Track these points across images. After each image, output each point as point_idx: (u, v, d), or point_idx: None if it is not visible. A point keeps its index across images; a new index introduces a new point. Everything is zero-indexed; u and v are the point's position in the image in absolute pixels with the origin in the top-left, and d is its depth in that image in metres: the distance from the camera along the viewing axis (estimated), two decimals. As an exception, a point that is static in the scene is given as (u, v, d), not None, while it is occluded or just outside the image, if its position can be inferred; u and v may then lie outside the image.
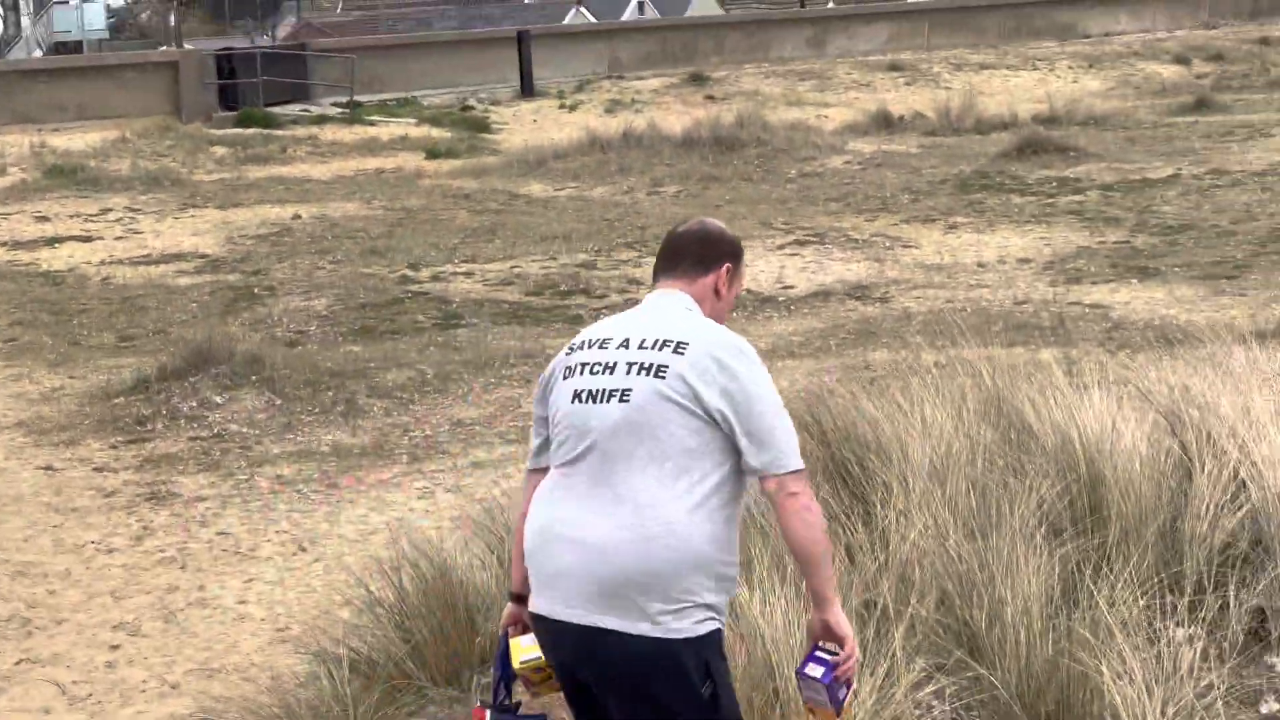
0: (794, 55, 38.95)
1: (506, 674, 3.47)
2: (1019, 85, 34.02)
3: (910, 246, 15.54)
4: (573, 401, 3.21)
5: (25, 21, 56.65)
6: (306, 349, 12.32)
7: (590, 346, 3.29)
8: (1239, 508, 4.66)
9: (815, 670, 3.10)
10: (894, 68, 35.34)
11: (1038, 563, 4.26)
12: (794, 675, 3.29)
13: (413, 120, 28.11)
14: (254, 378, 10.68)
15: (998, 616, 4.09)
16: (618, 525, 3.10)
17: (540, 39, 35.11)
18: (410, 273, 15.20)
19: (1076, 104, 27.13)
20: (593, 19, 56.73)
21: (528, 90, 32.36)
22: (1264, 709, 4.04)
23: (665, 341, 3.17)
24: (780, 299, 13.45)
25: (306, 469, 9.02)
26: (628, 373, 3.15)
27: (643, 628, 3.07)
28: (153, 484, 8.83)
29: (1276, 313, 11.00)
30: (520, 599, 3.39)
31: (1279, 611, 4.35)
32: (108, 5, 60.17)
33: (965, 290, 13.31)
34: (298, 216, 18.54)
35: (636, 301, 12.79)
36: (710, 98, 31.75)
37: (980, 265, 14.56)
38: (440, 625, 5.09)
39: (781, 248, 15.76)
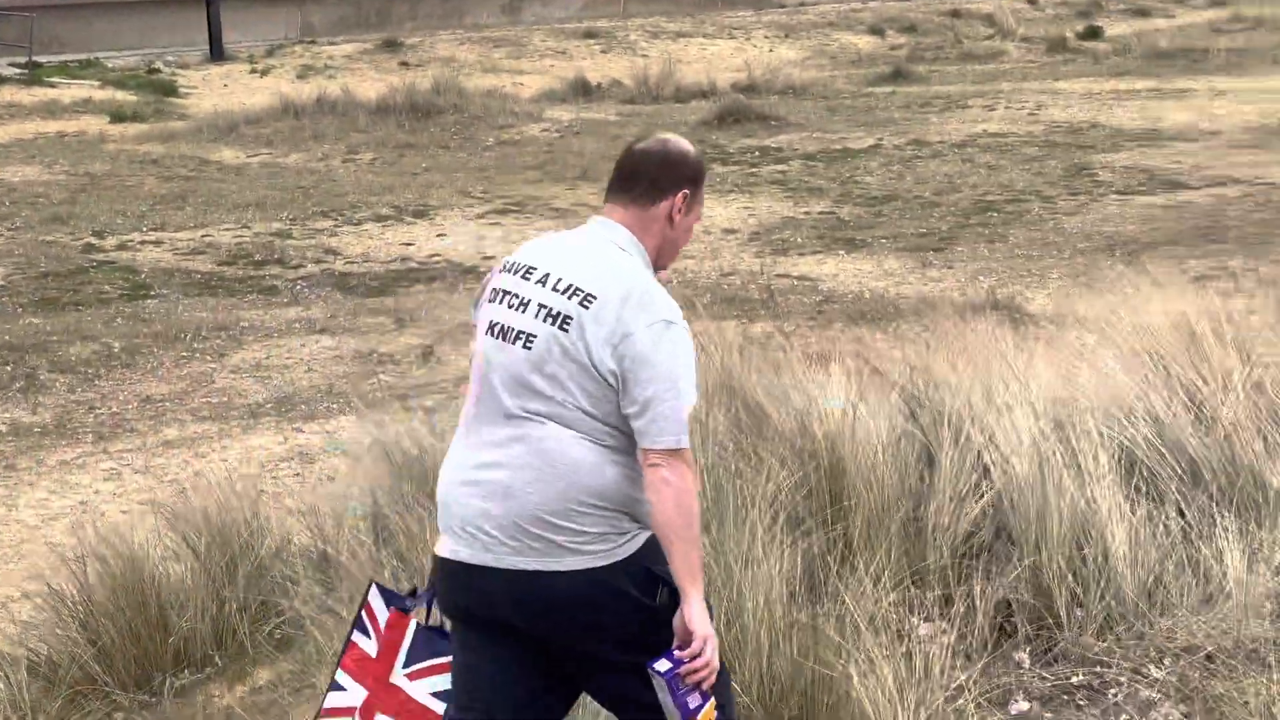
0: (489, 22, 39.05)
1: (433, 593, 3.41)
2: (716, 54, 34.31)
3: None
4: (486, 333, 3.17)
5: None
6: None
7: (516, 272, 3.19)
8: (981, 495, 4.57)
9: (661, 665, 2.94)
10: (590, 35, 35.18)
11: (778, 556, 4.12)
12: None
13: (96, 82, 27.25)
14: None
15: (736, 615, 3.95)
16: (524, 467, 3.03)
17: (230, 1, 33.92)
18: (95, 241, 14.76)
19: (775, 73, 27.42)
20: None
21: (217, 54, 31.88)
22: (1014, 709, 3.98)
23: (577, 290, 3.06)
24: (481, 270, 13.12)
25: None
26: (536, 315, 3.06)
27: (570, 562, 3.01)
28: None
29: (984, 285, 11.16)
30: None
31: (1026, 605, 4.27)
32: None
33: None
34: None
35: (333, 273, 11.38)
36: (405, 64, 31.21)
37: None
38: (129, 624, 4.81)
39: (481, 217, 15.64)
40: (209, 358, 10.43)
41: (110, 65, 29.84)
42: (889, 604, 4.15)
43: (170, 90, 26.71)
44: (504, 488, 3.06)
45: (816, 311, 10.93)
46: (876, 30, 37.23)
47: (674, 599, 3.07)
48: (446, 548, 3.21)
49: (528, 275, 3.17)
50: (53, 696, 4.60)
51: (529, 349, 3.06)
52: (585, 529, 3.05)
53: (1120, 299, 8.45)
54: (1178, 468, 4.81)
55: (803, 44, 36.23)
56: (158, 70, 29.16)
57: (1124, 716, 3.94)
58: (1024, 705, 3.99)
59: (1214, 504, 4.62)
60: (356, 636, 3.54)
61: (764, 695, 3.80)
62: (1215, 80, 23.99)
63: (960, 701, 3.78)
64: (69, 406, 9.41)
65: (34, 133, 22.49)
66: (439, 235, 14.70)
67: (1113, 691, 4.00)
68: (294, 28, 36.65)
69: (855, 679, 3.62)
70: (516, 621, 3.17)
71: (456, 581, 3.22)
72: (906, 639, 3.98)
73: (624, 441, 3.10)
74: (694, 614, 2.98)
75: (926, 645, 3.90)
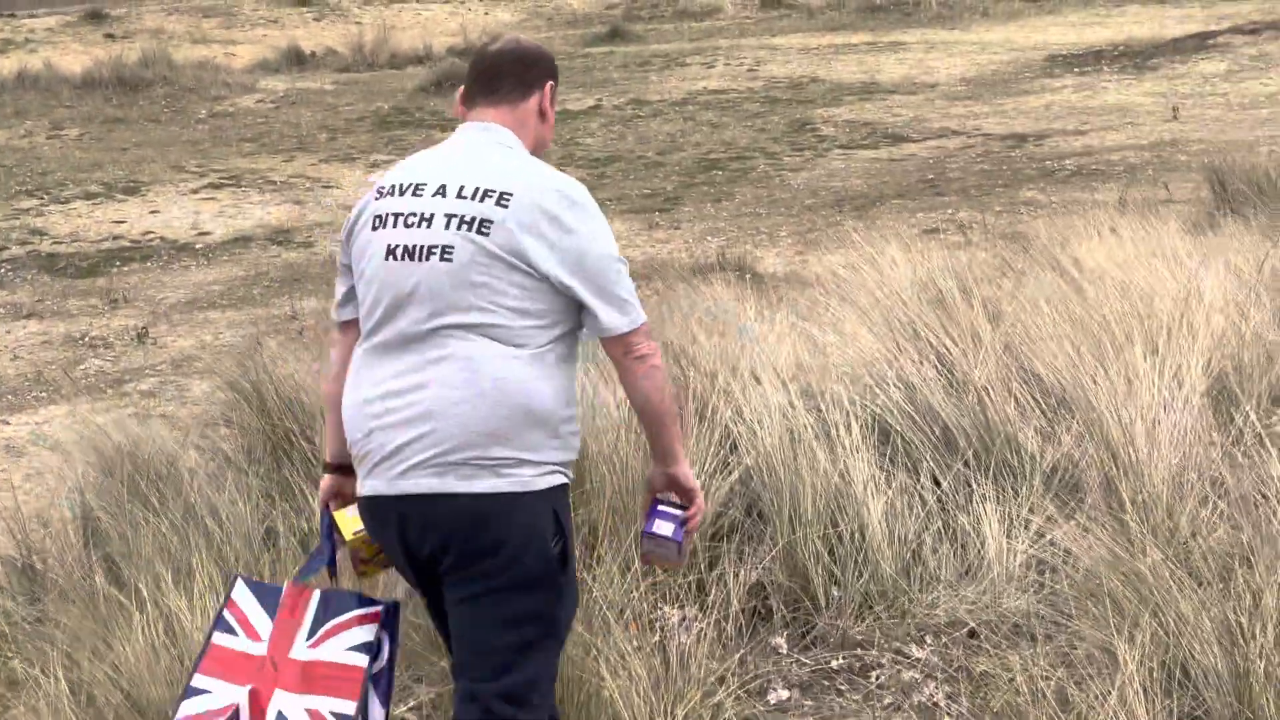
0: (197, -11, 38.80)
1: (332, 550, 3.13)
2: (431, 19, 31.46)
3: (331, 187, 14.35)
4: (386, 258, 2.76)
5: None
6: None
7: (402, 193, 2.83)
8: (730, 472, 4.14)
9: (665, 528, 2.90)
10: (303, 3, 32.09)
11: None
12: (639, 535, 3.00)
13: None
14: None
15: None
16: (448, 386, 2.71)
17: None
18: None
19: (491, 37, 26.99)
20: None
21: None
22: (772, 699, 3.59)
23: (488, 192, 2.71)
24: (198, 246, 12.24)
25: None
26: (446, 226, 2.71)
27: (488, 484, 2.69)
28: None
29: (713, 245, 10.54)
30: (339, 469, 3.03)
31: (781, 586, 3.89)
32: None
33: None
34: None
35: (39, 254, 9.97)
36: (111, 36, 28.32)
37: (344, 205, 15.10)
38: None
39: (196, 192, 14.40)
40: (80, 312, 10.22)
41: None
42: (639, 594, 3.69)
43: None
44: (425, 411, 2.70)
45: None
46: (591, -10, 40.62)
47: (563, 559, 2.80)
48: (368, 487, 2.85)
49: (419, 191, 2.80)
50: None
51: (448, 260, 2.68)
52: (511, 452, 2.70)
53: (855, 256, 7.87)
54: (931, 435, 4.48)
55: (518, 6, 32.90)
56: None
57: (887, 700, 3.54)
58: (783, 694, 3.58)
59: (970, 471, 4.27)
60: (218, 638, 3.04)
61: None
62: (928, 33, 22.70)
63: (719, 695, 3.33)
64: None
65: None
66: (152, 212, 13.50)
67: (874, 674, 3.62)
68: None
69: (606, 677, 3.20)
70: (439, 550, 2.81)
71: (385, 519, 2.84)
72: (660, 629, 3.58)
73: (559, 349, 2.77)
74: (688, 472, 2.86)
75: (679, 635, 3.50)
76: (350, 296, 2.94)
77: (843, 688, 3.66)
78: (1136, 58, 17.93)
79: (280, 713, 2.98)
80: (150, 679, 3.57)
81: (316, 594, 3.06)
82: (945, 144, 14.27)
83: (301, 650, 2.98)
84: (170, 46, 26.31)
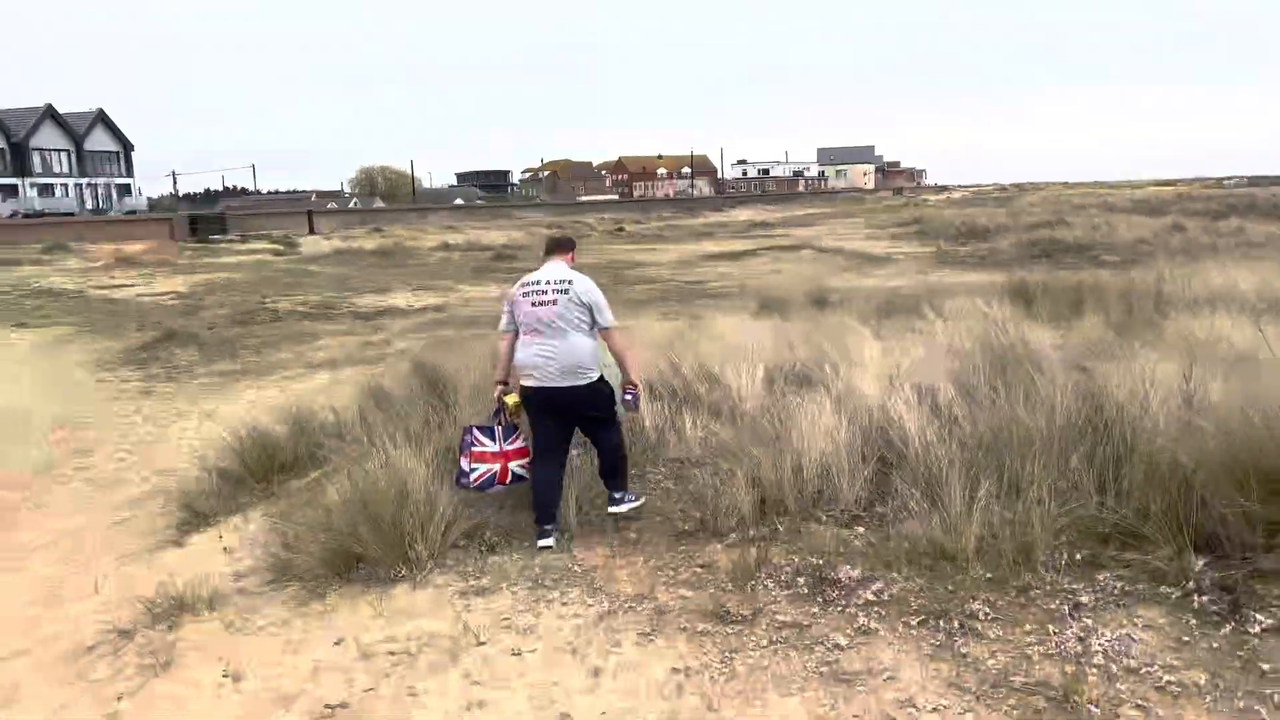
0: None
1: (501, 412, 5.22)
2: (486, 232, 45.18)
3: (457, 292, 20.74)
4: (532, 306, 5.02)
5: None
6: (215, 330, 15.43)
7: (530, 285, 5.07)
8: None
9: (629, 398, 5.22)
10: (451, 230, 45.00)
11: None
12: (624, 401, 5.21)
13: (267, 241, 36.49)
14: (192, 343, 14.03)
15: None
16: (561, 346, 5.03)
17: (317, 214, 47.71)
18: (263, 300, 19.19)
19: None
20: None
21: (312, 230, 42.59)
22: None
23: (565, 280, 5.04)
24: (407, 310, 17.57)
25: (214, 380, 11.51)
26: (553, 292, 5.03)
27: (576, 381, 5.07)
28: (145, 387, 11.52)
29: None
30: (504, 382, 5.23)
31: None
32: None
33: (478, 308, 17.90)
34: (217, 278, 23.85)
35: (352, 311, 17.23)
36: (379, 231, 45.00)
37: (482, 299, 17.48)
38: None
39: (409, 291, 21.01)
40: (302, 344, 13.77)
41: (273, 235, 38.97)
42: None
43: (294, 244, 35.36)
44: (558, 354, 5.02)
45: None
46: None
47: (611, 394, 5.11)
48: (530, 384, 5.07)
49: (537, 284, 5.05)
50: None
51: (553, 305, 4.96)
52: (588, 368, 5.05)
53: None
54: (667, 389, 6.08)
55: (517, 225, 47.95)
56: (289, 237, 37.60)
57: (653, 487, 5.32)
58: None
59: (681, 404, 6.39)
60: (474, 446, 5.28)
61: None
62: (656, 245, 32.62)
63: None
64: (248, 363, 12.57)
65: (244, 260, 29.97)
66: (390, 298, 19.70)
67: (648, 474, 5.46)
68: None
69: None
70: (564, 408, 5.09)
71: (541, 394, 5.05)
72: None
73: (592, 333, 5.02)
74: (637, 379, 5.17)
75: None
76: (511, 323, 5.09)
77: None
78: (733, 257, 27.21)
79: (513, 470, 5.30)
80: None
81: (499, 426, 5.27)
82: (669, 285, 20.51)
83: (506, 446, 5.30)
84: (402, 240, 35.66)
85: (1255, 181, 75.24)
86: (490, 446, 5.15)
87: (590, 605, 4.44)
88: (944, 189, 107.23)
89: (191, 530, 6.42)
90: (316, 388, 10.65)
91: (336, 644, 4.34)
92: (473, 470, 5.11)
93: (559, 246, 5.24)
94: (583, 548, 5.07)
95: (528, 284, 5.04)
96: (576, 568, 4.85)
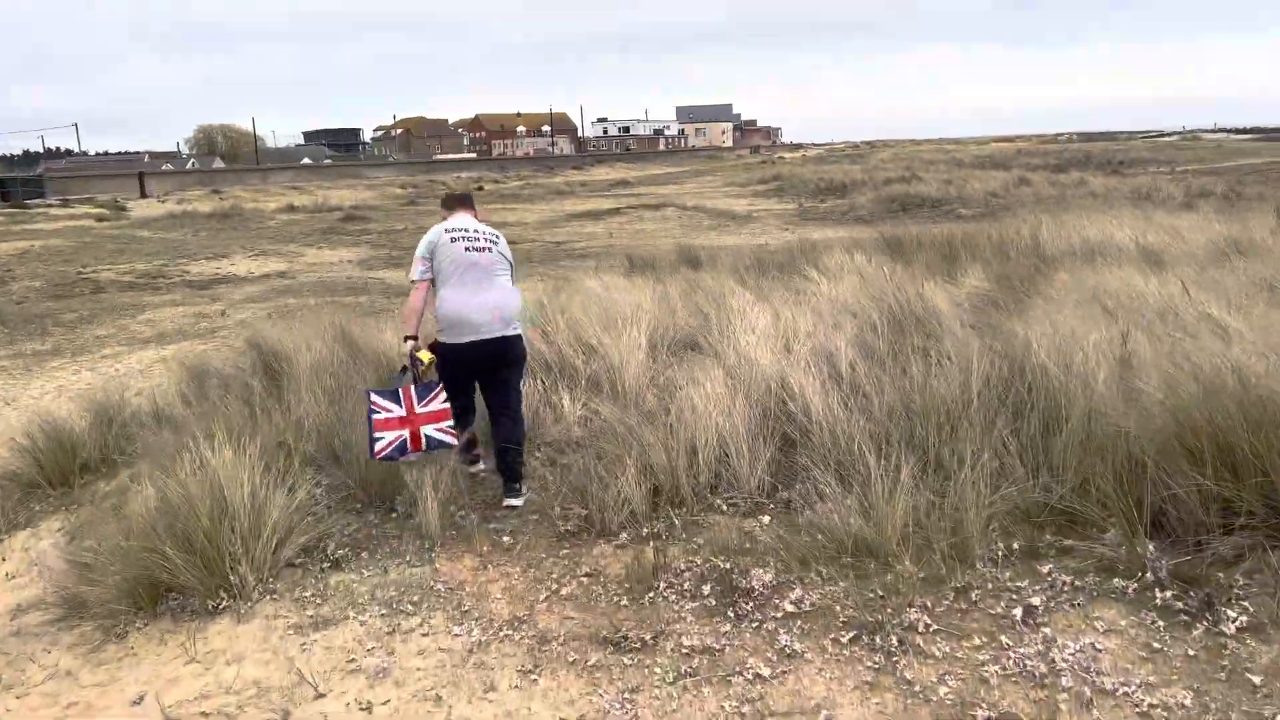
0: None
1: (410, 370, 4.74)
2: (336, 191, 44.77)
3: (302, 256, 19.68)
4: (466, 250, 4.69)
5: None
6: (24, 305, 14.12)
7: (458, 231, 4.77)
8: None
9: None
10: (295, 189, 44.79)
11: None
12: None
13: (92, 205, 34.95)
14: None
15: (348, 445, 4.97)
16: (501, 295, 4.75)
17: (150, 175, 45.35)
18: (83, 270, 17.76)
19: None
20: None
21: (144, 194, 40.78)
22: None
23: (494, 232, 4.91)
24: (246, 277, 16.44)
25: (17, 363, 10.38)
26: (484, 241, 4.80)
27: (510, 332, 4.77)
28: None
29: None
30: (414, 338, 4.73)
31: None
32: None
33: (326, 274, 16.62)
34: (33, 245, 22.24)
35: (184, 280, 15.46)
36: (218, 193, 40.22)
37: (330, 264, 18.18)
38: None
39: (249, 257, 19.44)
40: (126, 318, 12.72)
41: (99, 199, 37.77)
42: None
43: (123, 208, 33.53)
44: (495, 304, 4.69)
45: (383, 291, 13.73)
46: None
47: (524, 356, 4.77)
48: (464, 338, 4.62)
49: (466, 230, 4.77)
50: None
51: (489, 252, 4.74)
52: (517, 319, 4.82)
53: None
54: (541, 362, 6.14)
55: (372, 189, 46.93)
56: (117, 201, 36.41)
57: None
58: (481, 467, 5.04)
59: (557, 379, 5.88)
60: (375, 415, 4.73)
61: (365, 480, 5.68)
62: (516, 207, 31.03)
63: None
64: (60, 341, 11.31)
65: (62, 227, 27.69)
66: (230, 264, 18.32)
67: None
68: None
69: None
70: (497, 359, 4.72)
71: (478, 348, 4.66)
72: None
73: (514, 284, 4.88)
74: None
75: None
76: (428, 271, 4.65)
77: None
78: (596, 216, 26.80)
79: (427, 435, 4.73)
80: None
81: (413, 386, 4.71)
82: (533, 245, 19.69)
83: (418, 408, 4.74)
84: (243, 203, 33.77)
85: (1088, 137, 79.15)
86: (395, 411, 4.64)
87: (457, 635, 3.62)
88: (799, 147, 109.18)
89: (-34, 551, 5.20)
90: (137, 368, 10.02)
91: (135, 703, 3.39)
92: (377, 439, 4.59)
93: (463, 201, 5.06)
94: (447, 558, 4.22)
95: (454, 230, 4.74)
96: (440, 585, 4.01)
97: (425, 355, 4.69)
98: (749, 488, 4.52)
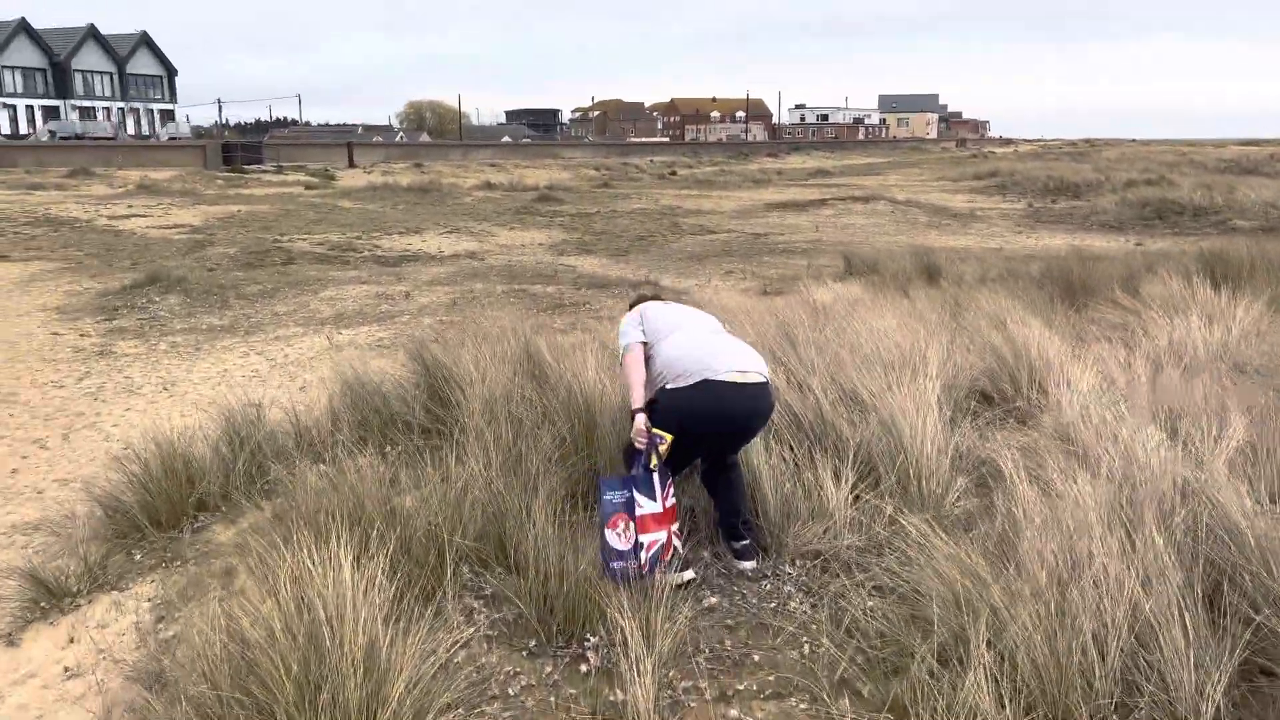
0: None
1: (647, 452, 3.52)
2: (528, 172, 43.28)
3: (495, 236, 18.65)
4: (687, 318, 3.91)
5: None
6: (214, 273, 13.35)
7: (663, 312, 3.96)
8: None
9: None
10: (493, 167, 42.52)
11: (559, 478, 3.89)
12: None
13: (303, 173, 35.99)
14: (179, 288, 11.87)
15: (520, 543, 3.43)
16: (740, 343, 3.83)
17: (358, 146, 47.16)
18: (278, 238, 17.30)
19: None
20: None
21: (351, 164, 41.89)
22: (705, 602, 3.54)
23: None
24: (439, 255, 15.56)
25: (190, 339, 9.42)
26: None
27: (768, 376, 3.77)
28: (104, 345, 9.13)
29: (644, 272, 13.39)
30: (644, 411, 3.57)
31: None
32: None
33: (516, 257, 15.45)
34: (239, 211, 22.25)
35: (374, 255, 14.89)
36: (419, 166, 42.65)
37: (521, 246, 16.92)
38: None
39: (442, 234, 18.75)
40: (308, 293, 11.84)
41: (310, 168, 39.00)
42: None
43: (331, 177, 34.41)
44: (744, 346, 3.79)
45: (575, 280, 12.80)
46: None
47: None
48: (726, 373, 3.59)
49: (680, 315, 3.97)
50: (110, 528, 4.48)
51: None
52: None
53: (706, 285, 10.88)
54: (787, 420, 4.44)
55: (566, 169, 43.68)
56: (327, 170, 37.48)
57: (771, 604, 3.48)
58: (713, 599, 3.55)
59: (812, 447, 4.21)
60: (639, 511, 3.51)
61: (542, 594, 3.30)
62: (711, 194, 29.33)
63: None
64: (238, 316, 10.53)
65: (275, 193, 27.95)
66: (423, 240, 17.53)
67: (764, 582, 3.63)
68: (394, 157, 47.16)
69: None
70: (750, 415, 3.68)
71: (738, 396, 3.57)
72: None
73: None
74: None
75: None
76: (640, 331, 3.77)
77: (745, 591, 3.61)
78: (799, 207, 24.69)
79: (674, 540, 3.57)
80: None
81: (655, 473, 3.52)
82: (730, 236, 18.17)
83: (665, 502, 3.57)
84: (441, 177, 33.50)
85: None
86: (653, 505, 3.53)
87: None
88: (1009, 142, 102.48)
89: (38, 617, 4.04)
90: (308, 355, 8.91)
91: None
92: (636, 546, 3.45)
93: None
94: None
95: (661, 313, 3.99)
96: None
97: (667, 434, 3.56)
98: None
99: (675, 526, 3.54)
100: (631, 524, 3.41)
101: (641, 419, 3.48)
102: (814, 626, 3.24)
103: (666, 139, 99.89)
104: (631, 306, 3.99)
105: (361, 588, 2.72)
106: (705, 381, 3.45)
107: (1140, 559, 2.76)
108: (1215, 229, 18.76)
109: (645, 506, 3.46)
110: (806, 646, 3.17)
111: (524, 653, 3.12)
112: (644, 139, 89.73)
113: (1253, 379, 4.57)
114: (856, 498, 3.81)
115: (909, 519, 3.41)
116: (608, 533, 3.41)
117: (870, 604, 3.16)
